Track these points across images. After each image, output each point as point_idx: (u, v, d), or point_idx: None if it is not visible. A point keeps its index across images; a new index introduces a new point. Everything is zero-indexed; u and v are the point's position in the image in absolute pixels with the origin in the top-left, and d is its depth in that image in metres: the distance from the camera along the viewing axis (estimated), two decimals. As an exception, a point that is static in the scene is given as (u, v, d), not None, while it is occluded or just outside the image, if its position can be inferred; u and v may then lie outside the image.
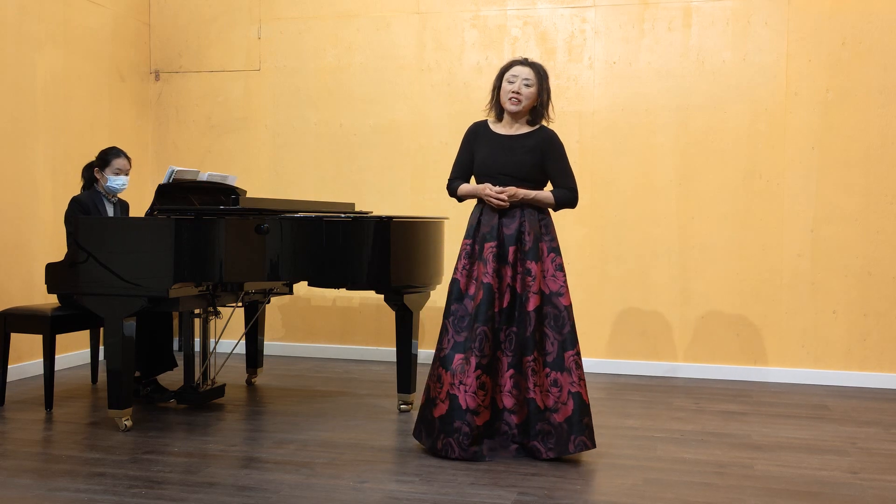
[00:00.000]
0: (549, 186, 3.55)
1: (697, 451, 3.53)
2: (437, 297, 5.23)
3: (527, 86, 3.43)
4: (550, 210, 3.53)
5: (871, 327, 4.96)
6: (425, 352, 5.51)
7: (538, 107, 3.48)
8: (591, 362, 5.27)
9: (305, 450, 3.50)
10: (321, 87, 5.74)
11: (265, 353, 5.54)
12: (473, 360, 3.32)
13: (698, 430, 3.87)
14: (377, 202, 5.53)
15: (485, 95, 5.43)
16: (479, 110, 5.40)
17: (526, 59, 3.51)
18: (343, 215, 3.97)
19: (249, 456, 3.41)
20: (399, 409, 4.18)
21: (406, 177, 5.60)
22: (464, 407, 3.30)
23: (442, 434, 3.34)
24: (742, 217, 5.11)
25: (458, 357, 3.35)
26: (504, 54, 5.41)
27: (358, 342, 5.74)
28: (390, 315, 4.96)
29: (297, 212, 4.08)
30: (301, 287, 5.38)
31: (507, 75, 3.47)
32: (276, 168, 5.83)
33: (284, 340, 5.85)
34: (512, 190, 3.39)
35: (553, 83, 5.34)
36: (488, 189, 3.42)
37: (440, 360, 3.41)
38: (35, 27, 4.97)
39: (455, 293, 3.44)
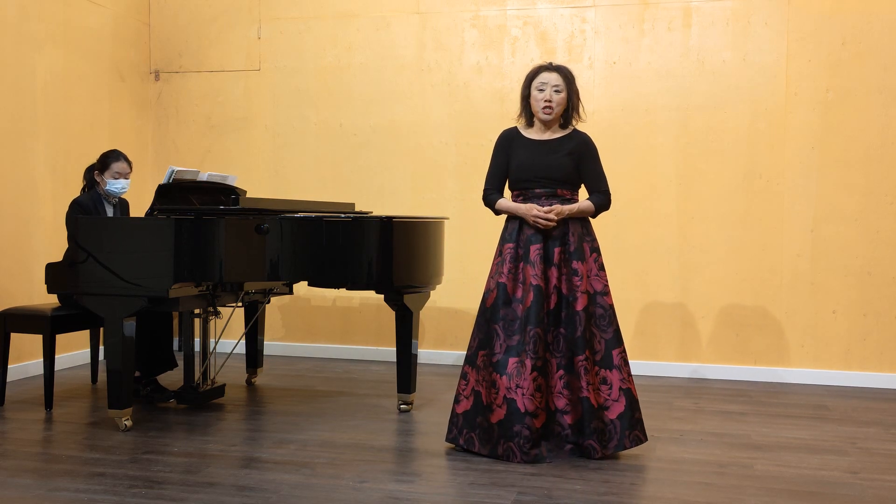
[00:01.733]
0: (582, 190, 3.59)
1: (697, 451, 3.54)
2: (437, 296, 5.25)
3: (557, 92, 3.45)
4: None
5: (871, 327, 4.96)
6: (425, 352, 5.52)
7: (569, 109, 3.51)
8: (591, 362, 5.27)
9: (305, 450, 3.50)
10: (321, 87, 5.74)
11: (265, 353, 5.54)
12: (529, 363, 3.32)
13: (698, 430, 3.87)
14: (377, 202, 5.53)
15: (484, 95, 5.49)
16: (479, 110, 5.45)
17: (551, 64, 3.53)
18: (343, 215, 3.97)
19: (249, 456, 3.41)
20: (399, 409, 4.18)
21: (406, 177, 5.60)
22: (522, 410, 3.30)
23: (502, 439, 3.34)
24: (742, 217, 5.11)
25: (512, 361, 3.35)
26: (504, 54, 5.41)
27: (358, 342, 5.74)
28: (390, 315, 4.96)
29: (297, 212, 4.08)
30: (301, 287, 5.38)
31: (535, 83, 3.48)
32: (276, 168, 5.83)
33: (284, 340, 5.85)
34: (558, 208, 3.40)
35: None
36: (535, 210, 3.40)
37: (493, 364, 3.39)
38: (35, 27, 4.97)
39: (503, 297, 3.42)
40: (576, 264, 3.40)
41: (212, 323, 4.28)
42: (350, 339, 5.75)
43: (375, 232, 3.87)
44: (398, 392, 4.18)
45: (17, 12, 4.84)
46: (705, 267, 5.17)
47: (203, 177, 4.20)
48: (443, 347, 5.56)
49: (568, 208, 3.43)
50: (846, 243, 4.98)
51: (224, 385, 4.41)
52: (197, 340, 4.57)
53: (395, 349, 4.30)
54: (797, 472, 3.26)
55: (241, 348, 5.19)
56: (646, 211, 5.24)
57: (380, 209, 5.42)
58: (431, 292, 4.33)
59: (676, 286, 5.21)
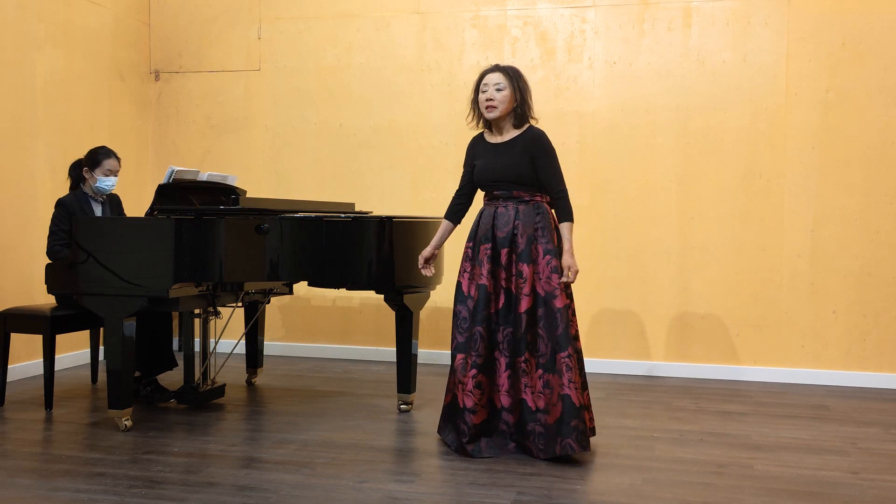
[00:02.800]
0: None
1: (696, 451, 3.54)
2: (437, 296, 5.24)
3: (498, 90, 3.46)
4: (554, 213, 3.55)
5: (871, 327, 4.96)
6: (425, 352, 5.52)
7: (518, 107, 3.51)
8: (591, 362, 5.26)
9: (305, 450, 3.50)
10: (321, 87, 5.74)
11: (265, 353, 5.54)
12: (470, 361, 3.42)
13: (697, 430, 3.87)
14: (377, 202, 5.53)
15: (485, 95, 5.48)
16: (479, 110, 5.44)
17: (496, 66, 3.56)
18: (343, 215, 3.97)
19: (249, 456, 3.41)
20: (399, 409, 4.18)
21: (406, 177, 5.60)
22: (461, 406, 3.40)
23: (449, 429, 3.50)
24: (742, 217, 5.11)
25: (459, 357, 3.45)
26: (504, 54, 5.41)
27: (358, 342, 5.74)
28: (390, 315, 4.96)
29: (297, 212, 4.08)
30: (301, 287, 5.38)
31: (480, 86, 3.53)
32: (276, 168, 5.83)
33: (284, 340, 5.85)
34: (574, 272, 3.39)
35: (553, 83, 5.36)
36: (420, 262, 3.66)
37: (451, 360, 3.52)
38: (35, 27, 4.97)
39: (459, 296, 3.51)
40: (522, 266, 3.41)
41: (212, 323, 4.28)
42: (350, 339, 5.75)
43: (375, 232, 3.87)
44: (398, 392, 4.18)
45: (16, 12, 4.84)
46: (705, 267, 5.17)
47: (203, 177, 4.20)
48: (443, 347, 5.56)
49: (567, 260, 3.39)
50: (846, 243, 4.98)
51: (224, 385, 4.41)
52: (197, 340, 4.57)
53: (395, 349, 4.30)
54: (797, 472, 3.26)
55: (241, 348, 5.19)
56: (646, 211, 5.24)
57: (380, 209, 5.42)
58: (431, 292, 4.33)
59: (676, 286, 5.20)
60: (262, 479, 3.11)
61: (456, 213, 3.70)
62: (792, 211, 5.05)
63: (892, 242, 4.92)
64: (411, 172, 5.60)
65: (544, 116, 5.36)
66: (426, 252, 3.68)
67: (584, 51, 5.32)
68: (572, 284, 3.47)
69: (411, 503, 2.88)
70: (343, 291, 5.56)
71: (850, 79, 4.96)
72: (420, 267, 3.69)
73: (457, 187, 3.72)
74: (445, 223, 3.70)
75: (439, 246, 3.70)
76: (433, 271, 3.72)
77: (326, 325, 5.79)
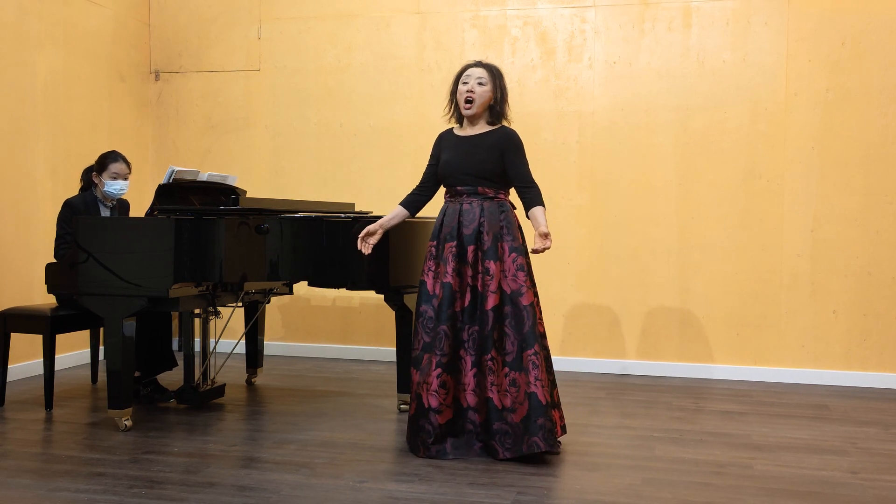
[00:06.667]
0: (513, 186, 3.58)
1: (696, 450, 3.54)
2: (437, 297, 5.23)
3: (480, 84, 3.46)
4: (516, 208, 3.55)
5: (871, 327, 4.96)
6: (425, 352, 5.51)
7: (495, 105, 3.51)
8: (590, 362, 5.27)
9: (305, 450, 3.50)
10: (321, 87, 5.74)
11: (265, 353, 5.54)
12: (434, 360, 3.37)
13: (697, 430, 3.87)
14: (377, 202, 5.52)
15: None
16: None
17: (479, 62, 3.56)
18: (343, 215, 3.97)
19: (249, 456, 3.41)
20: (399, 409, 4.18)
21: (406, 177, 5.59)
22: (426, 406, 3.35)
23: (412, 433, 3.42)
24: (742, 217, 5.11)
25: (425, 357, 3.40)
26: (504, 54, 5.41)
27: (358, 342, 5.74)
28: (390, 315, 4.96)
29: (297, 212, 4.08)
30: (301, 287, 5.38)
31: (461, 78, 3.52)
32: (276, 168, 5.83)
33: (284, 340, 5.85)
34: (549, 240, 3.38)
35: (553, 83, 5.36)
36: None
37: (412, 360, 3.46)
38: (35, 27, 4.97)
39: (424, 295, 3.46)
40: (488, 263, 3.40)
41: (212, 323, 4.28)
42: (350, 339, 5.75)
43: (375, 232, 3.86)
44: (398, 392, 4.18)
45: (16, 12, 4.84)
46: (705, 267, 5.17)
47: (203, 177, 4.20)
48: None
49: (543, 230, 3.37)
50: (846, 243, 4.98)
51: (224, 385, 4.41)
52: (197, 340, 4.57)
53: (395, 349, 4.30)
54: (797, 472, 3.26)
55: (241, 348, 5.19)
56: (646, 211, 5.24)
57: (380, 209, 5.41)
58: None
59: (676, 286, 5.20)
60: (262, 479, 3.11)
61: (414, 203, 3.64)
62: (792, 211, 5.05)
63: (892, 242, 4.92)
64: (411, 172, 5.59)
65: (544, 116, 5.37)
66: (372, 227, 3.56)
67: (584, 51, 5.32)
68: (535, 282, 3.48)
69: (411, 503, 2.88)
70: (343, 291, 5.56)
71: (850, 79, 4.96)
72: (360, 238, 3.54)
73: (420, 180, 3.67)
74: (399, 209, 3.63)
75: (385, 227, 3.59)
76: (370, 250, 3.56)
77: (326, 325, 5.79)
